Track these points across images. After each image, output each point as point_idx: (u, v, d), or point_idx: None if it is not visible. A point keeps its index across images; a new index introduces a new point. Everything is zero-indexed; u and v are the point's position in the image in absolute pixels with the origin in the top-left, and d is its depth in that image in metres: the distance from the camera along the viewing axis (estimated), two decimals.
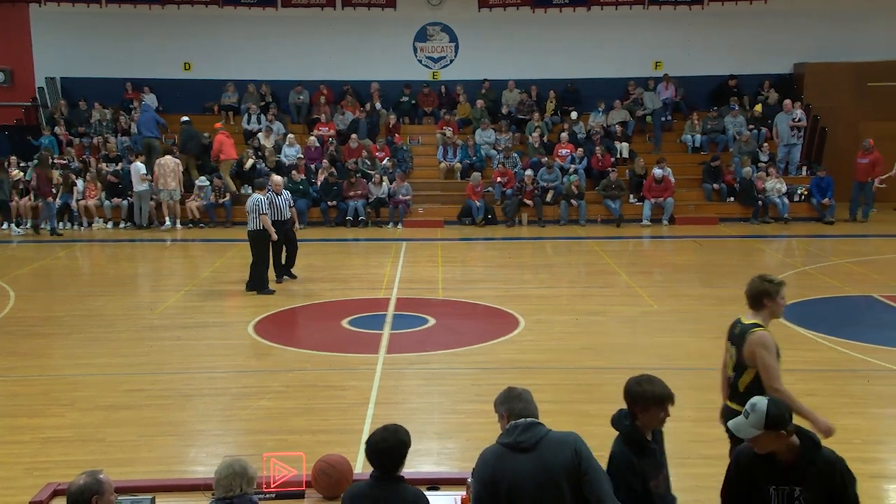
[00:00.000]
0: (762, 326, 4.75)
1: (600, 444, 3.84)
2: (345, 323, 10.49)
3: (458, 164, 19.53)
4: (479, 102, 20.57)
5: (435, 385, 8.26)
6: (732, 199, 18.36)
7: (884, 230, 16.77)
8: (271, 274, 12.44)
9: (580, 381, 8.21)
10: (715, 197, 18.54)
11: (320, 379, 8.33)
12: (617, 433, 3.79)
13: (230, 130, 20.35)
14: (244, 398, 7.78)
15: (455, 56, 21.37)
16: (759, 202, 17.85)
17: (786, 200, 17.85)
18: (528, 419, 3.59)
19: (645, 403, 3.69)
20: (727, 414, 4.79)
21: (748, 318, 4.86)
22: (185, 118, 19.36)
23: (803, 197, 18.14)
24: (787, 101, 19.11)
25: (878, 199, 18.10)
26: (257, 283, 11.98)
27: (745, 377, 4.74)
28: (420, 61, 21.50)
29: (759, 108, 19.94)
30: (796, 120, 18.99)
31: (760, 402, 3.56)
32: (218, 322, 10.71)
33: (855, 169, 17.87)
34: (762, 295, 4.78)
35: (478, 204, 18.17)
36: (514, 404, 3.64)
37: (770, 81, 20.33)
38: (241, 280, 12.31)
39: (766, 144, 19.15)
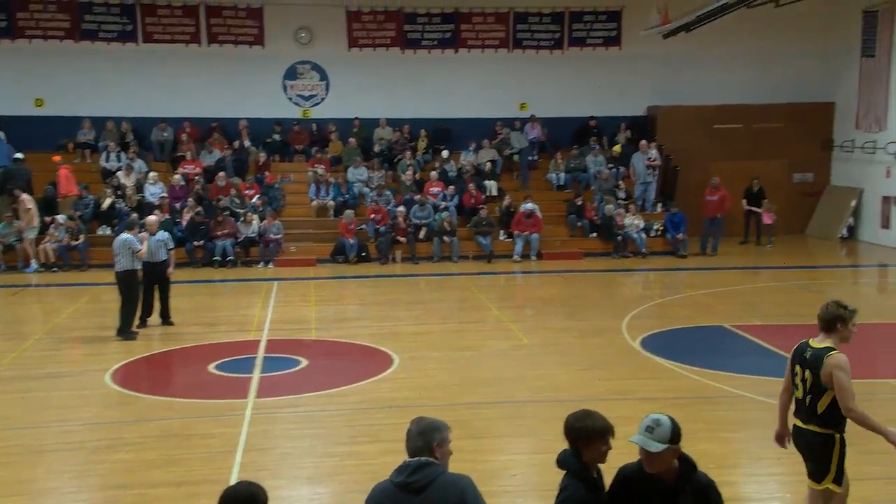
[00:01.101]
0: (836, 349, 4.98)
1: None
2: (211, 367, 10.14)
3: (331, 202, 19.45)
4: (352, 140, 20.63)
5: (307, 428, 8.10)
6: (595, 234, 19.20)
7: (731, 263, 18.01)
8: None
9: (453, 417, 8.20)
10: (579, 233, 19.32)
11: (184, 427, 7.99)
12: (564, 472, 3.77)
13: (86, 168, 19.42)
14: (100, 452, 7.35)
15: (326, 94, 21.39)
16: (619, 237, 18.75)
17: (643, 236, 18.84)
18: (423, 458, 3.57)
19: (589, 438, 3.71)
20: (803, 435, 5.09)
21: (819, 342, 5.08)
22: (18, 155, 18.36)
23: (659, 232, 19.21)
24: (643, 142, 20.30)
25: (725, 233, 19.43)
26: (123, 328, 11.40)
27: (824, 399, 4.95)
28: (290, 99, 21.36)
29: (617, 148, 21.05)
30: (651, 160, 20.18)
31: (663, 417, 3.73)
32: (72, 371, 10.09)
33: (704, 205, 19.14)
34: (837, 320, 5.03)
35: (351, 241, 18.13)
36: (413, 442, 3.62)
37: (626, 123, 21.54)
38: (99, 326, 11.68)
39: (621, 182, 20.17)
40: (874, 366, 10.45)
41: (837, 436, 5.06)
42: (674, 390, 9.10)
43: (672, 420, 3.70)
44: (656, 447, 3.64)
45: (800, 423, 5.17)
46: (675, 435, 3.68)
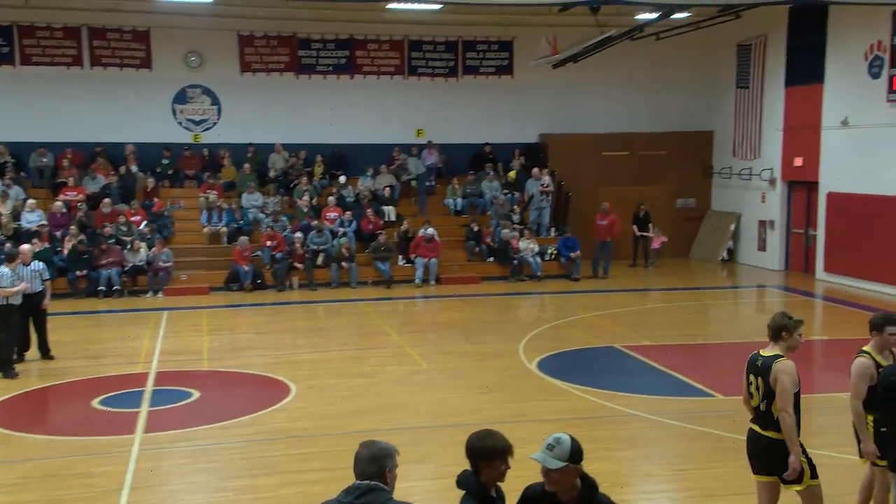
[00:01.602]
0: (784, 357, 5.31)
1: None
2: (96, 403, 9.66)
3: (224, 229, 18.99)
4: (246, 166, 20.25)
5: (200, 463, 7.82)
6: (492, 258, 19.51)
7: (621, 285, 18.67)
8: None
9: (351, 445, 8.11)
10: (476, 257, 19.59)
11: (65, 467, 7.56)
12: (463, 493, 3.78)
13: None
14: None
15: (218, 118, 20.94)
16: (515, 261, 19.13)
17: (538, 259, 19.29)
18: (373, 482, 3.56)
19: (488, 457, 3.74)
20: (761, 441, 5.32)
21: (768, 351, 5.40)
22: None
23: (553, 256, 19.72)
24: (536, 169, 20.85)
25: (615, 256, 20.15)
26: (2, 365, 10.69)
27: (776, 404, 5.24)
28: (180, 123, 20.79)
29: (512, 174, 21.54)
30: (544, 186, 20.73)
31: (564, 436, 3.80)
32: None
33: (595, 230, 19.81)
34: (782, 329, 5.35)
35: (246, 269, 17.73)
36: (364, 466, 3.60)
37: (521, 150, 22.08)
38: None
39: (516, 207, 20.61)
40: None
41: None
42: (569, 411, 9.32)
43: (573, 439, 3.79)
44: (555, 464, 3.72)
45: (758, 430, 5.45)
46: (574, 453, 3.76)
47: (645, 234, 20.88)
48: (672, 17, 17.57)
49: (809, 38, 18.69)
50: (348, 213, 19.49)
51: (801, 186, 19.52)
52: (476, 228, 19.70)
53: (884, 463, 5.48)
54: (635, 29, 18.25)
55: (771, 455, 5.36)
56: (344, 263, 18.30)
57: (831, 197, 18.16)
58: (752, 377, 5.48)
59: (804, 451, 5.39)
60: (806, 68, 18.88)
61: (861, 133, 17.24)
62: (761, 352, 5.50)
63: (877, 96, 16.66)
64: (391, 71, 21.51)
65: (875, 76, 16.81)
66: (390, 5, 16.87)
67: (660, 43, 19.80)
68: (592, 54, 19.43)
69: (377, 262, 18.54)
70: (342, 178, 20.57)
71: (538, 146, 22.38)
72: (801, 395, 5.35)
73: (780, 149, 19.91)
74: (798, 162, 19.28)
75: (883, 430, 5.45)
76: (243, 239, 18.08)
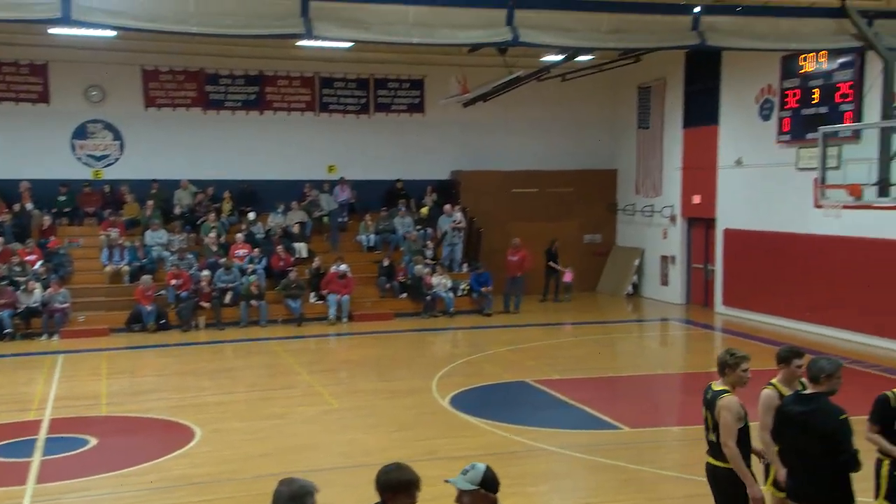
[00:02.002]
0: (729, 392, 5.49)
1: None
2: None
3: (126, 267, 18.35)
4: (150, 202, 19.69)
5: None
6: (405, 294, 19.52)
7: (532, 319, 18.97)
8: None
9: (258, 490, 7.95)
10: (389, 293, 19.56)
11: None
12: None
13: None
14: None
15: (121, 154, 20.35)
16: (428, 297, 19.19)
17: (451, 295, 19.42)
18: None
19: (394, 491, 3.78)
20: (717, 472, 5.52)
21: (717, 385, 5.60)
22: None
23: (466, 291, 19.89)
24: (448, 206, 21.07)
25: (526, 290, 20.49)
26: None
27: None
28: (80, 159, 20.07)
29: (425, 210, 21.70)
30: (456, 222, 20.93)
31: (480, 464, 3.87)
32: None
33: (506, 265, 20.13)
34: (724, 365, 5.56)
35: (149, 308, 17.15)
36: None
37: (433, 186, 22.30)
38: None
39: (429, 243, 20.76)
40: (657, 415, 11.39)
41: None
42: (481, 447, 9.34)
43: (489, 468, 3.86)
44: (465, 485, 3.79)
45: (712, 461, 5.62)
46: (487, 481, 3.82)
47: (557, 266, 21.32)
48: (576, 59, 18.23)
49: (705, 82, 19.71)
50: (258, 249, 19.18)
51: (700, 223, 20.40)
52: (388, 264, 19.69)
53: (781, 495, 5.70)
54: (542, 70, 18.85)
55: (724, 484, 5.53)
56: (253, 301, 17.94)
57: (728, 233, 19.05)
58: (705, 410, 5.67)
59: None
60: (702, 110, 19.87)
61: (754, 172, 18.21)
62: (712, 385, 5.68)
63: (767, 137, 17.67)
64: (302, 107, 21.44)
65: (766, 118, 17.84)
66: (300, 42, 16.83)
67: (566, 84, 20.49)
68: (501, 94, 19.90)
69: (288, 300, 18.26)
70: (251, 215, 20.26)
71: (450, 183, 22.66)
72: (746, 426, 5.51)
73: (679, 187, 20.80)
74: (696, 199, 20.18)
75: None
76: (146, 278, 17.51)
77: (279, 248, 19.18)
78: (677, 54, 19.63)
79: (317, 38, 10.31)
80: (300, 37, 10.45)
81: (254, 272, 18.53)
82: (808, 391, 5.38)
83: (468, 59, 19.61)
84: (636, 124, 22.26)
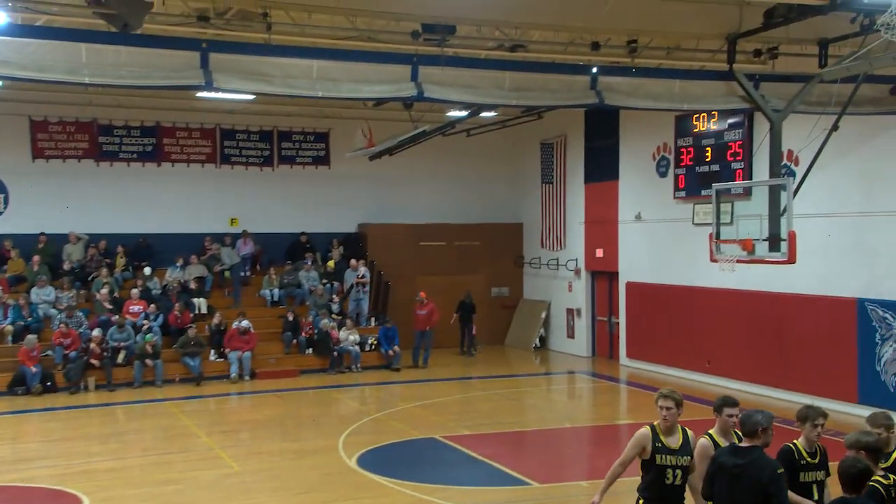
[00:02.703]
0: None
1: None
2: None
3: (10, 327, 17.38)
4: (35, 258, 18.82)
5: None
6: (311, 350, 19.21)
7: (441, 374, 18.98)
8: None
9: None
10: (294, 349, 19.21)
11: None
12: None
13: None
14: None
15: (5, 208, 19.46)
16: (335, 353, 18.95)
17: (358, 350, 19.24)
18: None
19: None
20: None
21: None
22: None
23: (373, 346, 19.76)
24: (353, 260, 20.98)
25: (436, 344, 20.51)
26: None
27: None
28: None
29: (331, 263, 21.56)
30: (360, 277, 20.80)
31: None
32: None
33: (414, 319, 20.14)
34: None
35: (33, 370, 16.26)
36: None
37: (339, 239, 22.23)
38: None
39: (335, 297, 20.58)
40: (566, 469, 11.52)
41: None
42: None
43: None
44: None
45: None
46: None
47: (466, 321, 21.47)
48: (480, 115, 18.73)
49: (604, 139, 20.58)
50: (154, 306, 18.56)
51: (604, 276, 21.06)
52: (293, 319, 19.39)
53: None
54: (447, 125, 19.27)
55: None
56: (148, 361, 17.29)
57: (630, 286, 19.72)
58: None
59: None
60: (603, 166, 20.69)
61: (653, 227, 19.01)
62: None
63: (665, 193, 18.51)
64: (202, 159, 21.14)
65: (662, 175, 18.72)
66: (200, 94, 16.64)
67: (470, 139, 21.00)
68: (408, 147, 20.19)
69: (186, 358, 17.69)
70: (147, 270, 19.65)
71: (357, 236, 22.65)
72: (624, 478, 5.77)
73: (582, 241, 21.46)
74: (599, 253, 20.86)
75: None
76: (31, 337, 16.66)
77: (177, 303, 18.62)
78: (577, 112, 20.45)
79: (217, 90, 10.21)
80: (200, 88, 10.35)
81: (149, 330, 17.88)
82: (744, 444, 5.56)
83: (374, 112, 19.86)
84: (540, 179, 22.93)
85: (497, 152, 23.37)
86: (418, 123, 18.62)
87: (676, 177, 18.17)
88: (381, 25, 11.86)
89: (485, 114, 18.77)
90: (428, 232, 22.68)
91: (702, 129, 17.42)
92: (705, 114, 16.92)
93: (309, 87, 10.55)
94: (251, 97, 17.92)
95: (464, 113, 18.18)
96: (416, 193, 22.98)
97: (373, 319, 20.77)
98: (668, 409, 5.88)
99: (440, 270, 22.49)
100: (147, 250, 20.20)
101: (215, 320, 18.59)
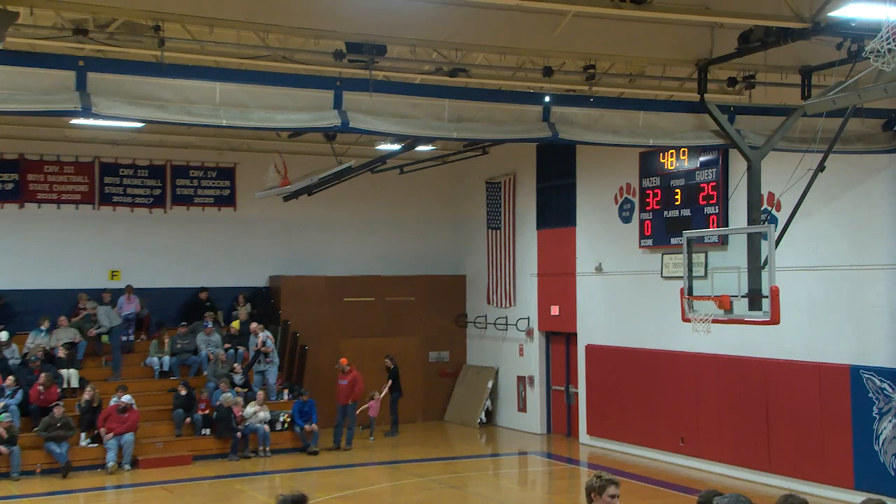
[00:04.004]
0: None
1: None
2: None
3: None
4: None
5: None
6: (208, 430, 18.71)
7: (367, 457, 18.72)
8: None
9: None
10: (187, 430, 18.68)
11: None
12: None
13: None
14: None
15: None
16: (239, 433, 18.48)
17: (267, 429, 18.81)
18: None
19: None
20: None
21: None
22: None
23: (286, 425, 19.33)
24: (254, 324, 20.46)
25: (359, 421, 20.18)
26: None
27: None
28: None
29: (236, 324, 21.15)
30: (259, 345, 20.08)
31: None
32: None
33: (336, 391, 19.82)
34: (590, 490, 5.98)
35: None
36: None
37: (246, 295, 21.87)
38: None
39: (237, 366, 20.03)
40: None
41: None
42: None
43: None
44: None
45: None
46: None
47: (375, 394, 20.79)
48: (416, 149, 18.80)
49: (559, 179, 20.88)
50: (11, 379, 17.90)
51: (560, 337, 21.16)
52: (187, 393, 18.90)
53: None
54: (376, 161, 19.27)
55: None
56: (2, 447, 16.60)
57: (590, 349, 19.82)
58: None
59: None
60: (557, 210, 20.97)
61: (616, 280, 19.22)
62: None
63: (629, 241, 18.77)
64: (77, 199, 20.72)
65: (626, 220, 19.02)
66: (75, 121, 16.32)
67: (404, 177, 21.04)
68: (330, 186, 20.07)
69: (50, 444, 17.08)
70: (4, 335, 19.01)
71: (268, 291, 22.38)
72: None
73: (535, 296, 21.59)
74: (555, 311, 20.98)
75: None
76: None
77: (41, 376, 17.99)
78: (528, 147, 20.75)
79: (97, 116, 9.95)
80: (75, 114, 10.08)
81: (4, 409, 17.20)
82: None
83: (290, 145, 19.77)
84: (486, 224, 23.07)
85: (435, 193, 23.47)
86: (342, 158, 18.57)
87: (642, 222, 18.49)
88: (298, 44, 11.85)
89: (421, 148, 18.85)
90: (353, 286, 22.53)
91: (670, 168, 17.80)
92: (674, 150, 17.33)
93: (211, 114, 10.39)
94: (139, 125, 17.70)
95: (396, 146, 18.23)
96: (340, 240, 22.87)
97: (285, 392, 20.36)
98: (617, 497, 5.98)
99: (367, 332, 22.31)
100: (4, 310, 19.53)
101: (87, 395, 18.01)
